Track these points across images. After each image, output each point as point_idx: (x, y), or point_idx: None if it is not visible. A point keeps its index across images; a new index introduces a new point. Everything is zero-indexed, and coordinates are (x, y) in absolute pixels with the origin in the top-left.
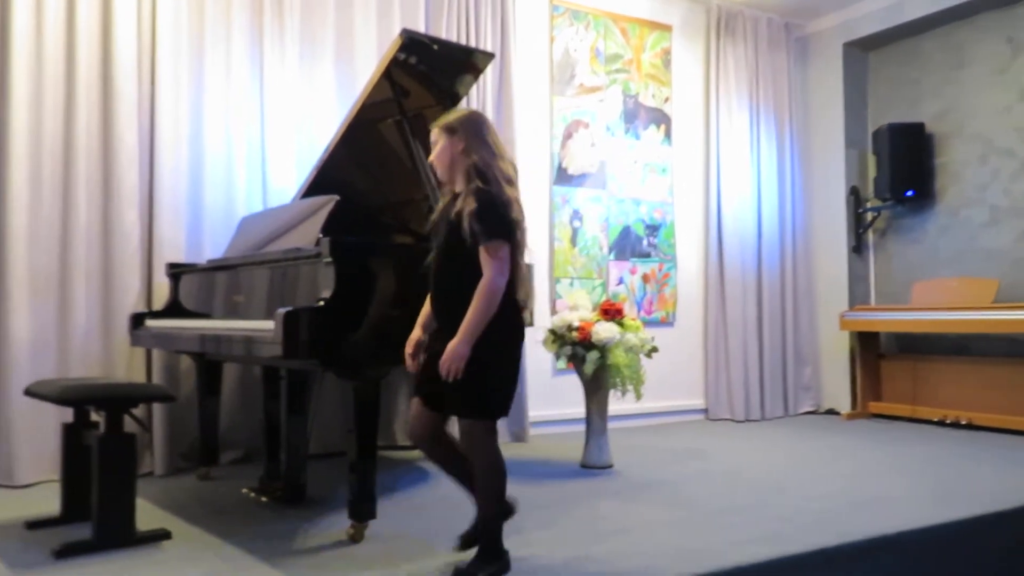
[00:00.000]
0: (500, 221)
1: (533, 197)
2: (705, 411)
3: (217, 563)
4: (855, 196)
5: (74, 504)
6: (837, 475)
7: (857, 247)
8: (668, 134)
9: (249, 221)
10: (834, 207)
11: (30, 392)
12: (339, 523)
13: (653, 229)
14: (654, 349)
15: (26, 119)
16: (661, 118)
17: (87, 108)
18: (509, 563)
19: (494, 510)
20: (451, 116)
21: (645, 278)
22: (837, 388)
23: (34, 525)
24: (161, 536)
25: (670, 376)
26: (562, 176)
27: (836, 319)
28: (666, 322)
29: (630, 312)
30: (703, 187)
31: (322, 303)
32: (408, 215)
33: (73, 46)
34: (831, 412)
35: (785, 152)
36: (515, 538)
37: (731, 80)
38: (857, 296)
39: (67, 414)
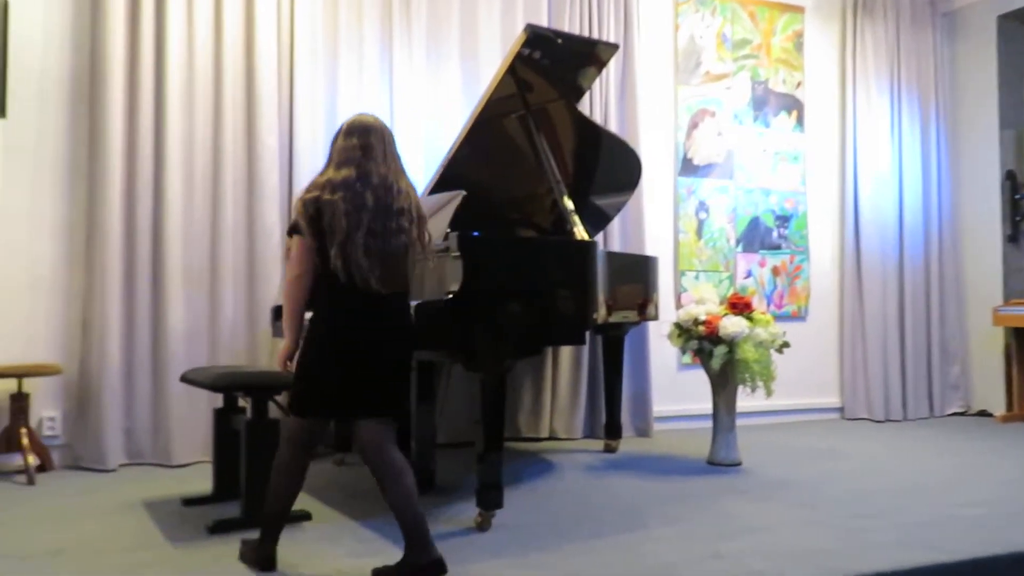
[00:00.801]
0: (294, 221)
1: (657, 189)
2: (841, 410)
3: (355, 544)
4: (1011, 181)
5: (225, 484)
6: (992, 481)
7: (1013, 236)
8: (800, 120)
9: None
10: (986, 193)
11: (186, 379)
12: (467, 511)
13: (784, 220)
14: (785, 344)
15: (180, 128)
16: (792, 104)
17: (233, 115)
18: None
19: (270, 509)
20: None
21: (775, 271)
22: (990, 388)
23: (189, 502)
24: (303, 517)
25: (803, 372)
26: (687, 167)
27: (988, 314)
28: (798, 316)
29: (759, 306)
30: (838, 175)
31: (450, 296)
32: (532, 209)
33: (220, 57)
34: (983, 414)
35: (930, 135)
36: (639, 533)
37: (869, 61)
38: (1013, 289)
39: (218, 400)
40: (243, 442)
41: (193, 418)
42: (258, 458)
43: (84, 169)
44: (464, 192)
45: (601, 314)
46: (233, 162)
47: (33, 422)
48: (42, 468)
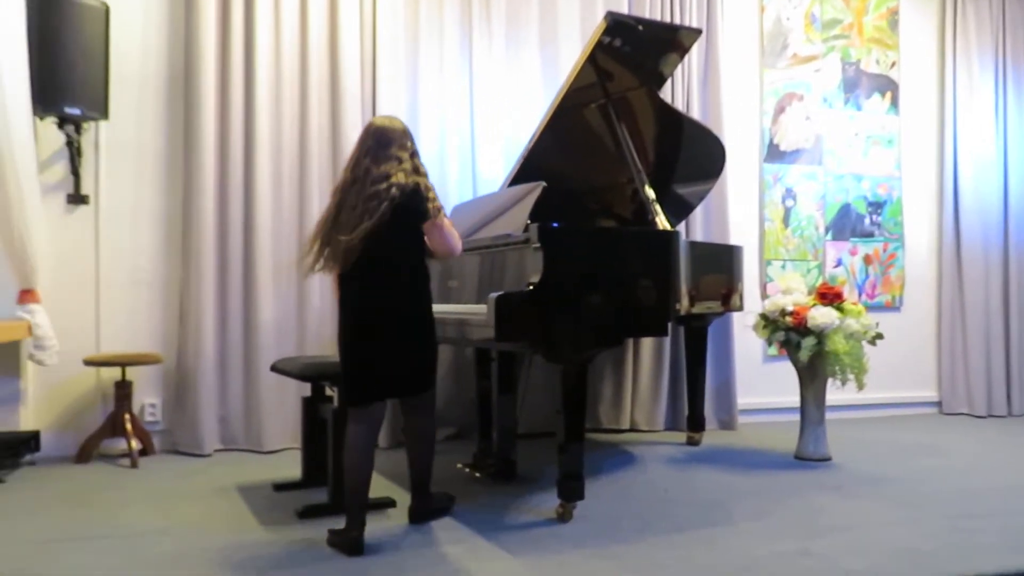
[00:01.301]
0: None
1: (741, 176)
2: (938, 404)
3: (437, 532)
4: None
5: (313, 470)
6: None
7: None
8: (895, 102)
9: (461, 209)
10: None
11: (276, 368)
12: (548, 501)
13: (877, 206)
14: (878, 336)
15: (268, 126)
16: (886, 85)
17: (318, 113)
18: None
19: (348, 487)
20: None
21: (867, 259)
22: None
23: (280, 487)
24: (387, 504)
25: (897, 365)
26: (773, 153)
27: None
28: (892, 306)
29: (850, 296)
30: (936, 158)
31: (531, 287)
32: (612, 199)
33: (306, 57)
34: None
35: None
36: (724, 527)
37: (971, 37)
38: None
39: (306, 388)
40: (329, 430)
41: (283, 406)
42: (344, 446)
43: (179, 168)
44: (544, 183)
45: (684, 305)
46: (318, 158)
47: (136, 409)
48: (144, 452)
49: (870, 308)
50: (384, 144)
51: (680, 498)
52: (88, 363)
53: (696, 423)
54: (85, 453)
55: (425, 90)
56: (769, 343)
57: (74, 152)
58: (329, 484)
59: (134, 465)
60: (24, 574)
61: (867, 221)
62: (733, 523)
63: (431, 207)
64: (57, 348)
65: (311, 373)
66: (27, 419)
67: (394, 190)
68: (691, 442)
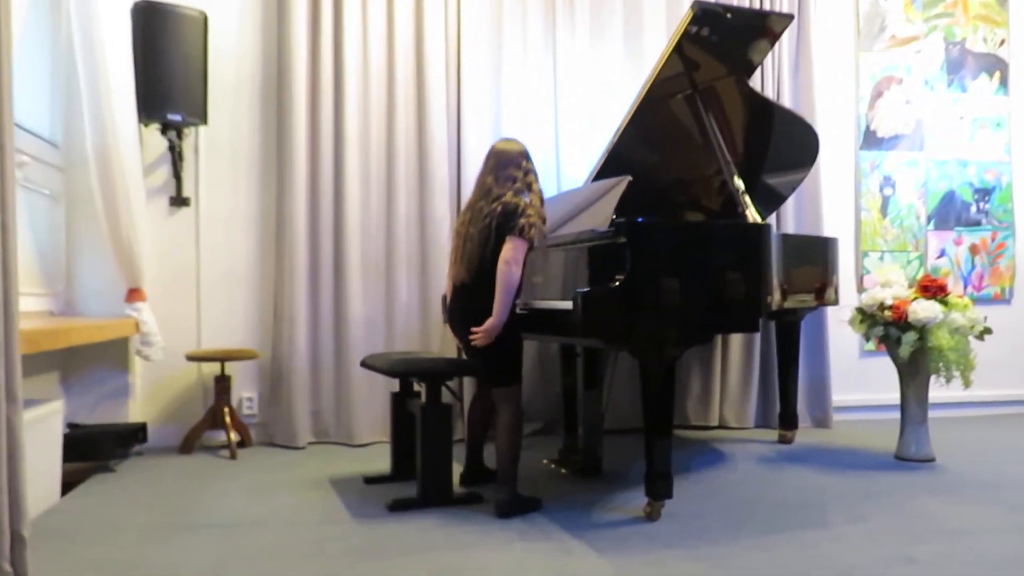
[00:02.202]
0: (521, 225)
1: (836, 164)
2: None
3: (525, 527)
4: None
5: (402, 464)
6: None
7: None
8: (1004, 82)
9: (545, 205)
10: None
11: (365, 364)
12: (635, 499)
13: (984, 193)
14: (987, 331)
15: (357, 128)
16: (994, 65)
17: (405, 113)
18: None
19: (510, 462)
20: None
21: (973, 249)
22: None
23: (370, 480)
24: (475, 499)
25: (1007, 361)
26: (870, 139)
27: None
28: (1000, 299)
29: (955, 288)
30: None
31: (617, 283)
32: (700, 192)
33: (392, 60)
34: None
35: None
36: (820, 531)
37: None
38: None
39: (395, 383)
40: (418, 425)
41: (372, 401)
42: (432, 440)
43: (273, 170)
44: (629, 177)
45: (775, 299)
46: (405, 158)
47: (234, 402)
48: (242, 444)
49: (977, 301)
50: (503, 165)
51: (772, 498)
52: (190, 358)
53: (788, 420)
54: (188, 444)
55: (508, 85)
56: (866, 338)
57: (176, 156)
58: (418, 478)
59: (233, 456)
60: (135, 560)
61: (973, 209)
62: (829, 526)
63: (519, 223)
64: (162, 344)
65: (400, 369)
66: (135, 412)
67: (498, 207)
68: (783, 440)
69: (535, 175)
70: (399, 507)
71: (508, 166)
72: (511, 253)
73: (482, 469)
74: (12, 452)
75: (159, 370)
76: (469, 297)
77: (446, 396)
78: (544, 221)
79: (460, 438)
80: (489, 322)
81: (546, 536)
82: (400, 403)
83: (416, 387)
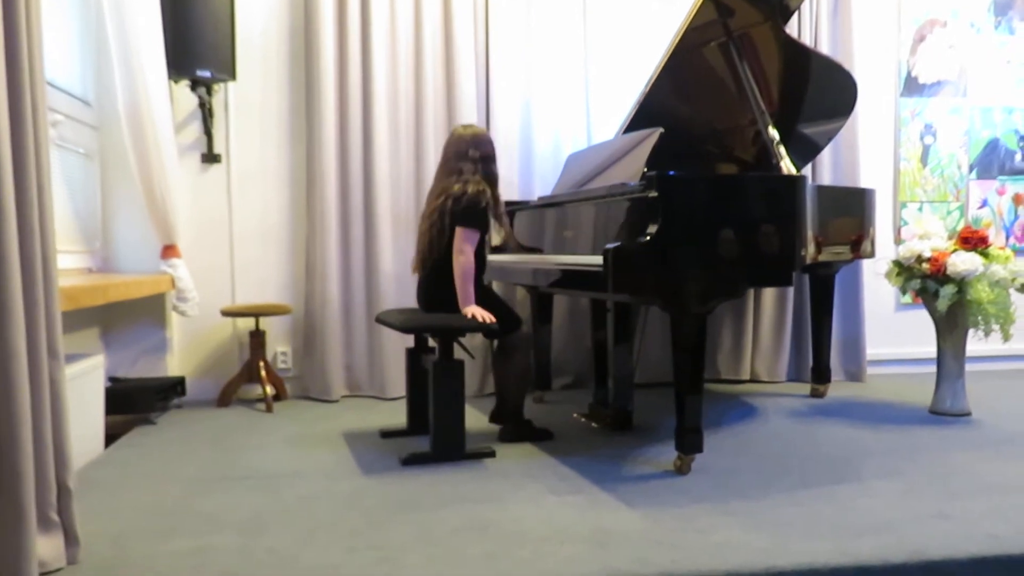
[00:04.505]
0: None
1: (874, 113)
2: None
3: (556, 481)
4: None
5: (417, 419)
6: None
7: None
8: None
9: (575, 158)
10: None
11: (380, 320)
12: (665, 453)
13: None
14: None
15: (385, 81)
16: None
17: (433, 64)
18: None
19: (519, 402)
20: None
21: (1017, 199)
22: None
23: (387, 435)
24: (487, 454)
25: None
26: (911, 86)
27: None
28: None
29: (996, 240)
30: None
31: (648, 238)
32: (733, 143)
33: (420, 8)
34: None
35: None
36: (852, 486)
37: None
38: None
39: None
40: (431, 381)
41: (402, 355)
42: (444, 396)
43: (302, 125)
44: (660, 129)
45: (810, 252)
46: (434, 110)
47: (269, 356)
48: (277, 397)
49: (1019, 252)
50: (452, 157)
51: (804, 453)
52: (225, 314)
53: (821, 374)
54: (225, 397)
55: (537, 34)
56: (903, 291)
57: (206, 113)
58: (431, 433)
59: (269, 409)
60: (177, 509)
61: (1018, 157)
62: (862, 480)
63: (466, 212)
64: (197, 300)
65: (412, 326)
66: (173, 366)
67: (448, 202)
68: (816, 394)
69: (490, 159)
70: (412, 461)
71: (456, 157)
72: (460, 243)
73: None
74: (55, 406)
75: (195, 325)
76: (430, 289)
77: (459, 352)
78: (496, 202)
79: (473, 394)
80: (464, 310)
81: (576, 489)
82: (415, 359)
83: (431, 343)
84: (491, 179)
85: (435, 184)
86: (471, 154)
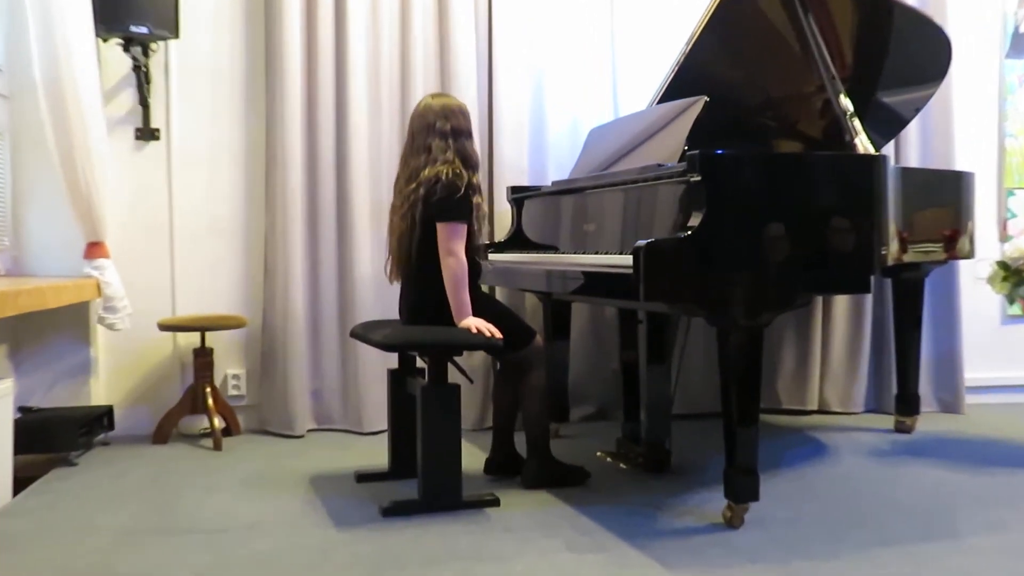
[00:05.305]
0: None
1: (973, 78)
2: None
3: (574, 535)
4: None
5: (402, 458)
6: None
7: None
8: None
9: (598, 134)
10: None
11: (356, 335)
12: (711, 501)
13: None
14: None
15: (364, 42)
16: None
17: (423, 22)
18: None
19: (541, 431)
20: None
21: None
22: None
23: (364, 478)
24: (488, 502)
25: None
26: (1018, 45)
27: None
28: None
29: None
30: None
31: (690, 232)
32: (796, 114)
33: None
34: None
35: None
36: (945, 543)
37: None
38: None
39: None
40: (418, 409)
41: (383, 379)
42: (436, 428)
43: (261, 94)
44: (705, 97)
45: (892, 251)
46: (423, 77)
47: (217, 380)
48: (228, 432)
49: None
50: (419, 132)
51: (885, 501)
52: (163, 327)
53: (908, 404)
54: (163, 432)
55: None
56: (1010, 300)
57: (142, 79)
58: (419, 475)
59: (217, 447)
60: (101, 571)
61: None
62: (958, 537)
63: (445, 203)
64: (129, 310)
65: (396, 341)
66: (99, 393)
67: (420, 191)
68: (901, 428)
69: (462, 132)
70: (396, 511)
71: (423, 131)
72: (446, 243)
73: (512, 457)
74: None
75: (127, 342)
76: (412, 296)
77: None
78: (476, 190)
79: (472, 427)
80: (461, 324)
81: (599, 546)
82: (399, 383)
83: (420, 363)
84: (467, 159)
85: (401, 168)
86: (439, 126)
